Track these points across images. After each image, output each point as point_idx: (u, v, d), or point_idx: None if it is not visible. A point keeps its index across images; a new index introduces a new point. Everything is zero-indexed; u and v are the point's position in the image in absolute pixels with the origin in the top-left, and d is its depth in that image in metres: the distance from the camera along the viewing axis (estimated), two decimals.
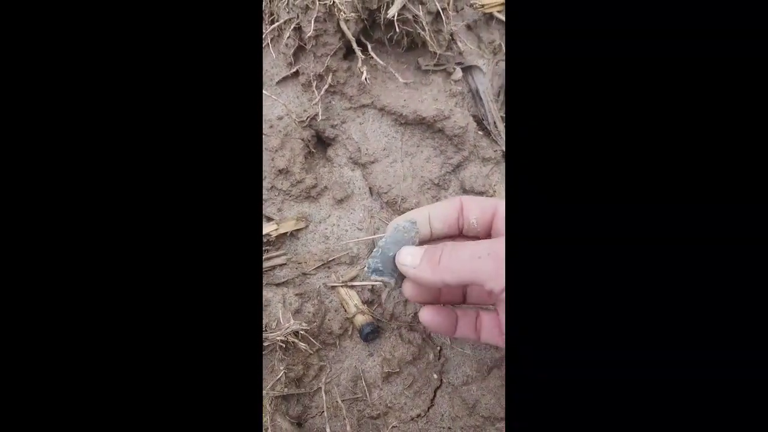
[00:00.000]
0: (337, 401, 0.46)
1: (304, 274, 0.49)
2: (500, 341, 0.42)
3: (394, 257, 0.40)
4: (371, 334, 0.48)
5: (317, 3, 0.45)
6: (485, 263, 0.35)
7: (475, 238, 0.42)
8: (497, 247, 0.35)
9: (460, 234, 0.43)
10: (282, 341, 0.42)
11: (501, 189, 0.51)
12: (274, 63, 0.50)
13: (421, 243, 0.41)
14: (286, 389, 0.45)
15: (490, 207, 0.41)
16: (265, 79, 0.50)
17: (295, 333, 0.43)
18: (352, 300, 0.49)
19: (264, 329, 0.43)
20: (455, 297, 0.45)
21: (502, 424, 0.47)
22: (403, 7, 0.48)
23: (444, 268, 0.37)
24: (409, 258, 0.39)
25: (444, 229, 0.42)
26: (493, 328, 0.42)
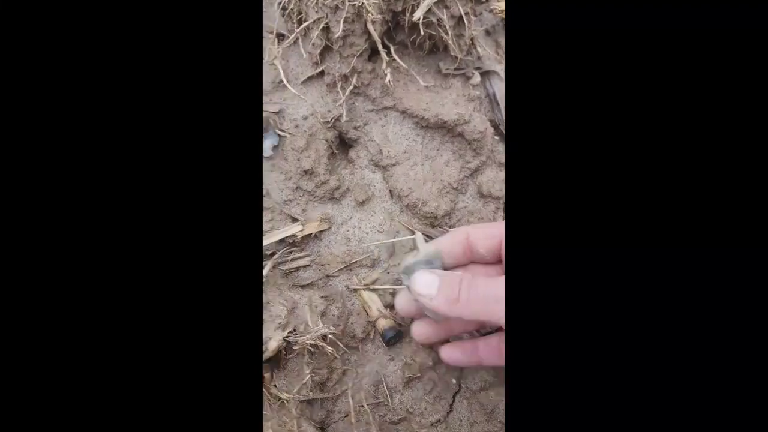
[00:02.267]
0: (362, 405, 0.46)
1: (328, 276, 0.49)
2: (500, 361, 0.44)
3: None
4: (394, 338, 0.48)
5: (347, 3, 0.45)
6: (503, 308, 0.35)
7: (486, 263, 0.43)
8: None
9: (469, 263, 0.44)
10: (311, 345, 0.41)
11: None
12: (299, 62, 0.49)
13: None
14: (311, 393, 0.44)
15: (497, 233, 0.42)
16: (290, 77, 0.50)
17: (323, 336, 0.42)
18: (375, 304, 0.48)
19: (294, 332, 0.42)
20: (467, 328, 0.46)
21: None
22: (429, 11, 0.48)
23: (463, 307, 0.37)
24: (425, 288, 0.39)
25: (454, 264, 0.43)
26: (492, 350, 0.44)
